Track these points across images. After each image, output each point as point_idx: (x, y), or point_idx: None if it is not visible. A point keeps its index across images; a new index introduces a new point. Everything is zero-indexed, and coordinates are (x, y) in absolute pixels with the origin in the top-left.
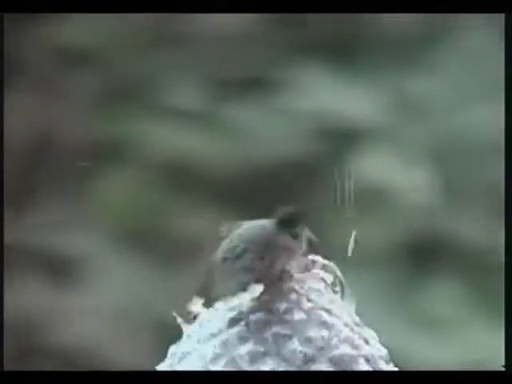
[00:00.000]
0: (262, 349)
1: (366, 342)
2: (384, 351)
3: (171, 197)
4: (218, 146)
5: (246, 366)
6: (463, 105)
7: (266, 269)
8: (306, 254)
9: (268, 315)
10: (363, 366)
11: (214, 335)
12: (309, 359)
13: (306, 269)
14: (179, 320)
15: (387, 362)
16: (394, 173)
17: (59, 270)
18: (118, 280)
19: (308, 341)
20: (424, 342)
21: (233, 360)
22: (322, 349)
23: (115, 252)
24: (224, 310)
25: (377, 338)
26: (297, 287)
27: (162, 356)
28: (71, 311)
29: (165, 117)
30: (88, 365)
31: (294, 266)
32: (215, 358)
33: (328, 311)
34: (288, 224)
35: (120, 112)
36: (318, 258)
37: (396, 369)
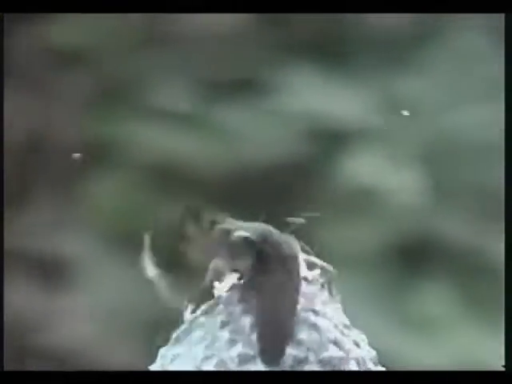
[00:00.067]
0: (251, 351)
1: (356, 344)
2: (373, 353)
3: (160, 198)
4: (207, 147)
5: (236, 369)
6: (454, 105)
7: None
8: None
9: (256, 319)
10: (353, 368)
11: (204, 337)
12: (298, 361)
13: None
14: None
15: (376, 364)
16: (385, 174)
17: (50, 271)
18: (109, 281)
19: (298, 343)
20: (414, 343)
21: (223, 362)
22: (311, 351)
23: (106, 253)
24: (214, 312)
25: (366, 340)
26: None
27: (154, 357)
28: (62, 313)
29: (154, 118)
30: (79, 366)
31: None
32: (205, 359)
33: (318, 313)
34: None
35: (109, 113)
36: (314, 259)
37: (384, 370)
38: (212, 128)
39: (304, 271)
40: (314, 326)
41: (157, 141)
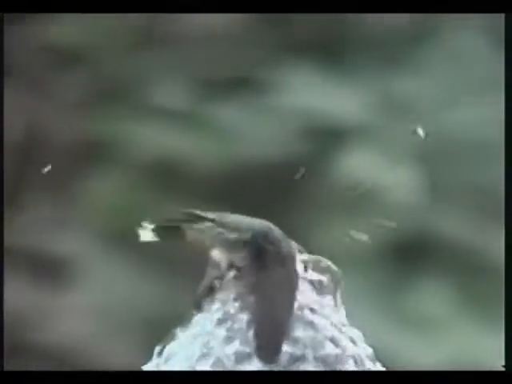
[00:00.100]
0: (247, 349)
1: (353, 341)
2: (370, 351)
3: (158, 196)
4: (205, 146)
5: (232, 366)
6: (449, 104)
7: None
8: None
9: (253, 317)
10: (349, 366)
11: (200, 335)
12: (295, 359)
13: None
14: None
15: (373, 362)
16: (381, 172)
17: (48, 269)
18: (106, 279)
19: (294, 341)
20: (411, 341)
21: (219, 360)
22: (308, 349)
23: (104, 251)
24: (211, 310)
25: (363, 338)
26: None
27: (150, 355)
28: (60, 310)
29: (152, 117)
30: (77, 363)
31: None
32: (202, 357)
33: (315, 311)
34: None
35: (107, 112)
36: (316, 258)
37: (381, 367)
38: (210, 126)
39: (312, 274)
40: (311, 324)
41: (155, 139)
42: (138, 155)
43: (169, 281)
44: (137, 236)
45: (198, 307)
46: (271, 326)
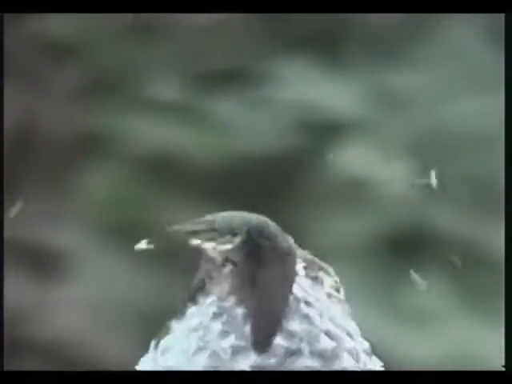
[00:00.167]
0: (243, 343)
1: (349, 335)
2: (366, 345)
3: (153, 190)
4: (202, 139)
5: (228, 360)
6: (444, 98)
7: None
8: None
9: (249, 310)
10: (345, 359)
11: (196, 329)
12: (291, 353)
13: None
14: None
15: (369, 356)
16: (377, 165)
17: (44, 263)
18: (102, 273)
19: (290, 335)
20: (407, 334)
21: (215, 353)
22: (304, 342)
23: (99, 245)
24: (206, 304)
25: (359, 332)
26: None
27: (146, 348)
28: (55, 304)
29: (149, 110)
30: (72, 357)
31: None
32: (198, 351)
33: (310, 305)
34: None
35: (104, 106)
36: (313, 258)
37: (378, 361)
38: (206, 120)
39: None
40: (307, 317)
41: (151, 133)
42: (134, 149)
43: (164, 274)
44: (132, 229)
45: (193, 300)
46: (267, 318)
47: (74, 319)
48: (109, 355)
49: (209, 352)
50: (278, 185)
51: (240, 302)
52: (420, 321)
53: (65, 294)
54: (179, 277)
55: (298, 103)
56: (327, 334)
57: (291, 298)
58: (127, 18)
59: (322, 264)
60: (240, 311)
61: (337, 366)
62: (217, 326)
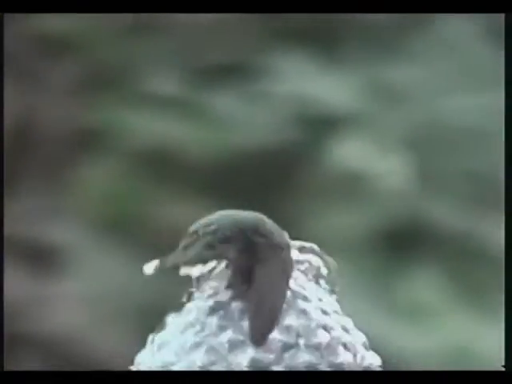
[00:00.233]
0: (241, 337)
1: (346, 329)
2: (363, 338)
3: (151, 185)
4: (199, 133)
5: (226, 354)
6: (441, 92)
7: (240, 256)
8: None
9: (246, 304)
10: (342, 353)
11: (193, 324)
12: (288, 347)
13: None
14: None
15: (366, 349)
16: (374, 159)
17: (41, 257)
18: (99, 268)
19: (287, 329)
20: (403, 329)
21: (212, 348)
22: (301, 337)
23: (96, 240)
24: (203, 298)
25: (355, 325)
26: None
27: (144, 343)
28: (52, 299)
29: (146, 105)
30: (69, 351)
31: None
32: (195, 346)
33: (307, 299)
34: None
35: (102, 100)
36: (307, 244)
37: (375, 355)
38: (203, 114)
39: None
40: (304, 312)
41: (149, 128)
42: (132, 143)
43: (162, 269)
44: (130, 224)
45: (189, 297)
46: (264, 314)
47: (71, 314)
48: (106, 350)
49: (206, 347)
50: (275, 179)
51: (237, 297)
52: (417, 315)
53: (62, 289)
54: (176, 272)
55: (296, 97)
56: (324, 328)
57: (288, 292)
58: (127, 14)
59: (324, 256)
60: (237, 306)
61: (334, 360)
62: (214, 320)
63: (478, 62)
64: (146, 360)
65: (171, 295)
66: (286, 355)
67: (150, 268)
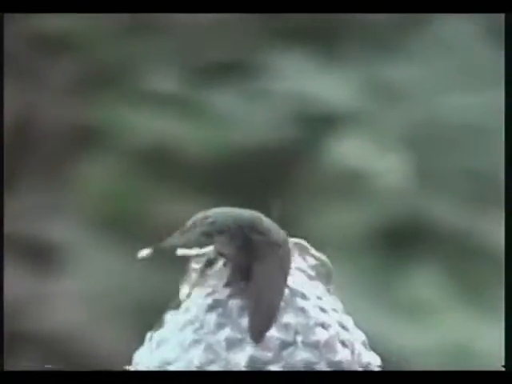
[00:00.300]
0: (239, 335)
1: (344, 327)
2: (362, 336)
3: (151, 183)
4: (198, 132)
5: (224, 353)
6: (441, 91)
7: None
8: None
9: (244, 302)
10: (341, 351)
11: (191, 322)
12: (286, 345)
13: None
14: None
15: (366, 348)
16: (373, 158)
17: (40, 255)
18: (98, 265)
19: (285, 327)
20: (404, 327)
21: (210, 346)
22: (299, 335)
23: (95, 237)
24: (202, 296)
25: (355, 324)
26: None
27: (142, 341)
28: (50, 297)
29: (146, 103)
30: (68, 349)
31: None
32: (193, 343)
33: (305, 297)
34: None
35: (100, 98)
36: (300, 242)
37: (374, 354)
38: (203, 112)
39: (303, 260)
40: (301, 310)
41: (148, 126)
42: (132, 142)
43: (160, 266)
44: (129, 222)
45: (188, 294)
46: (262, 311)
47: (71, 311)
48: (105, 347)
49: (204, 344)
50: (274, 177)
51: (235, 295)
52: (417, 313)
53: (62, 287)
54: (175, 269)
55: (295, 95)
56: (322, 325)
57: (286, 290)
58: (126, 14)
59: (316, 253)
60: (235, 303)
61: (332, 358)
62: (212, 318)
63: (478, 61)
64: (144, 358)
65: (170, 293)
66: (284, 353)
67: (144, 252)
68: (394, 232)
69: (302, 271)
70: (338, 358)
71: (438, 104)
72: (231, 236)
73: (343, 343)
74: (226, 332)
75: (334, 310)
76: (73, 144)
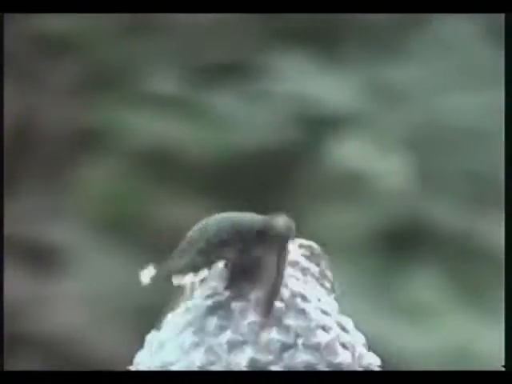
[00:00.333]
0: (240, 337)
1: (345, 329)
2: (362, 338)
3: (151, 185)
4: (199, 133)
5: (225, 355)
6: (442, 92)
7: (237, 256)
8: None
9: (245, 304)
10: (342, 353)
11: (192, 324)
12: (286, 347)
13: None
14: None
15: (366, 349)
16: (373, 159)
17: (39, 258)
18: (99, 267)
19: (285, 329)
20: (404, 329)
21: (211, 349)
22: (299, 337)
23: (96, 240)
24: (203, 298)
25: (355, 325)
26: (276, 275)
27: (143, 343)
28: (51, 299)
29: (145, 104)
30: (69, 351)
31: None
32: (194, 346)
33: (306, 299)
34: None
35: (100, 100)
36: (306, 242)
37: (374, 355)
38: (203, 114)
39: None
40: (302, 312)
41: (149, 127)
42: (132, 143)
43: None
44: (130, 224)
45: (188, 296)
46: (266, 286)
47: (71, 314)
48: (106, 350)
49: (205, 347)
50: (275, 178)
51: (236, 297)
52: (417, 315)
53: (62, 289)
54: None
55: (296, 97)
56: (323, 328)
57: (287, 292)
58: (126, 14)
59: (320, 252)
60: (236, 306)
61: (333, 360)
62: (212, 320)
63: (478, 61)
64: (144, 360)
65: (170, 295)
66: (285, 355)
67: (146, 277)
68: (395, 234)
69: (303, 272)
70: (338, 360)
71: (439, 105)
72: (230, 243)
73: (344, 345)
74: (227, 335)
75: (336, 311)
76: (73, 146)
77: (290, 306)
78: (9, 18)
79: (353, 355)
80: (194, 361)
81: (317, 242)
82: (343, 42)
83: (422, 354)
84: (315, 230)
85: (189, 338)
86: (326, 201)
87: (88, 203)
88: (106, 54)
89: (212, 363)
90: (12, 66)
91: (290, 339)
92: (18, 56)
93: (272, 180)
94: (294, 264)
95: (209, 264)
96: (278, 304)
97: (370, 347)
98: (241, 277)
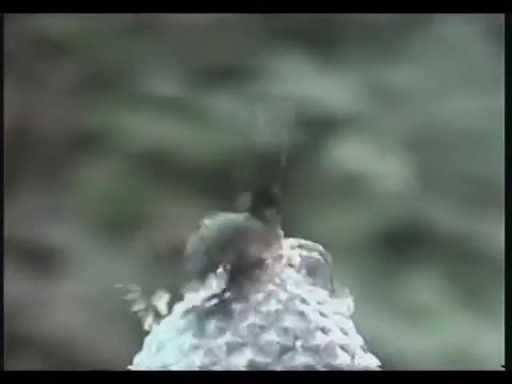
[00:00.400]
0: (239, 339)
1: (343, 331)
2: (361, 340)
3: (151, 186)
4: (197, 134)
5: (224, 357)
6: (441, 94)
7: (236, 259)
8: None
9: (244, 306)
10: (341, 356)
11: (191, 326)
12: (285, 349)
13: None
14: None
15: (365, 351)
16: (372, 161)
17: (39, 259)
18: (99, 269)
19: (284, 331)
20: (403, 330)
21: (210, 350)
22: (298, 339)
23: (95, 241)
24: (201, 301)
25: (354, 328)
26: (274, 277)
27: (142, 345)
28: (51, 300)
29: (144, 106)
30: (68, 352)
31: (269, 255)
32: (193, 348)
33: (305, 301)
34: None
35: (99, 101)
36: (305, 242)
37: (374, 357)
38: (202, 115)
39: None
40: (301, 314)
41: (148, 129)
42: (131, 144)
43: (161, 270)
44: (129, 225)
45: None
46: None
47: (71, 315)
48: (105, 351)
49: (204, 349)
50: (273, 180)
51: (235, 299)
52: (416, 317)
53: (62, 290)
54: (175, 273)
55: (295, 98)
56: (322, 330)
57: (286, 295)
58: (126, 14)
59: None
60: (235, 308)
61: (332, 362)
62: (211, 322)
63: (478, 62)
64: (144, 362)
65: (170, 296)
66: (284, 357)
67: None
68: (394, 235)
69: (301, 274)
70: (337, 362)
71: (439, 107)
72: (228, 245)
73: (343, 347)
74: (227, 337)
75: (334, 313)
76: (73, 146)
77: (289, 308)
78: (9, 18)
79: (352, 357)
80: (194, 363)
81: (316, 243)
82: (343, 43)
83: (422, 356)
84: (314, 231)
85: (188, 340)
86: (325, 202)
87: (88, 203)
88: (106, 55)
89: (211, 365)
90: (12, 66)
91: (289, 341)
92: (18, 56)
93: (270, 181)
94: (293, 265)
95: (214, 269)
96: (276, 306)
97: (369, 349)
98: (240, 278)
